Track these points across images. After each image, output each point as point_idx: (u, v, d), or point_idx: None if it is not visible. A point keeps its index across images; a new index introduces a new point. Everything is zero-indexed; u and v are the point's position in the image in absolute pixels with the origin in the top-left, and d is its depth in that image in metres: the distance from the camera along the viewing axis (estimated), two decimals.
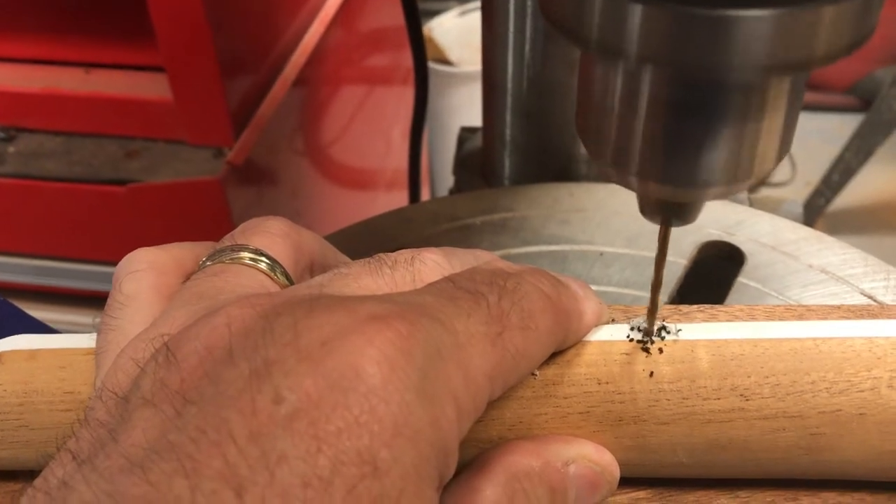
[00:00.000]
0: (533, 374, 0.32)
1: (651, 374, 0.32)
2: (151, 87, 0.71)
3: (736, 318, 0.37)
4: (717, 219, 0.52)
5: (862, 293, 0.46)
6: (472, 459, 0.30)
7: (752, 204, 0.62)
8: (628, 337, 0.33)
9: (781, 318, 0.36)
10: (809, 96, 2.33)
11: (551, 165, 0.60)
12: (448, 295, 0.27)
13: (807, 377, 0.31)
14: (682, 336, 0.33)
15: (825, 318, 0.36)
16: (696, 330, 0.33)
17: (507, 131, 0.60)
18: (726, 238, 0.50)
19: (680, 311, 0.37)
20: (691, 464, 0.33)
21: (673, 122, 0.25)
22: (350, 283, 0.29)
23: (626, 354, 0.33)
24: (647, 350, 0.33)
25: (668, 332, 0.33)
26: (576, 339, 0.33)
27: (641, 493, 0.35)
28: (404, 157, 0.80)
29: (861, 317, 0.36)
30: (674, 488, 0.35)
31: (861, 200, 2.02)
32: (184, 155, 0.71)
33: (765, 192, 0.59)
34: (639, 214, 0.51)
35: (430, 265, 0.31)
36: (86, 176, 0.70)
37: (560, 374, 0.32)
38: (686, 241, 0.50)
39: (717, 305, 0.37)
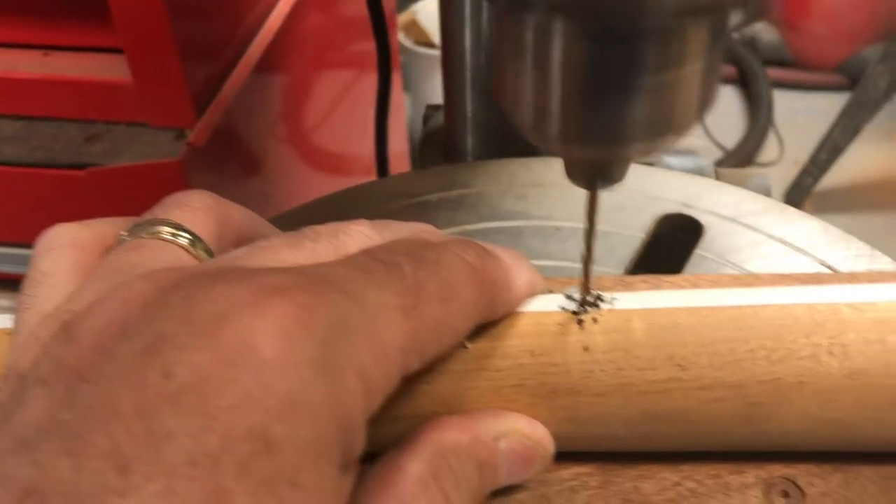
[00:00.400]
0: (465, 346, 0.31)
1: (585, 345, 0.31)
2: (111, 70, 0.70)
3: (680, 287, 0.36)
4: (677, 191, 0.51)
5: (822, 263, 0.45)
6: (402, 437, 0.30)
7: (718, 178, 0.61)
8: (562, 307, 0.32)
9: (726, 287, 0.36)
10: (797, 75, 2.32)
11: (513, 142, 0.59)
12: (361, 266, 0.26)
13: (745, 345, 0.31)
14: (618, 305, 0.32)
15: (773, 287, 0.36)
16: (633, 299, 0.32)
17: (468, 108, 0.59)
18: (685, 211, 0.49)
19: (624, 281, 0.36)
20: (628, 436, 0.32)
21: (588, 77, 0.24)
22: (267, 256, 0.28)
23: (560, 325, 0.32)
24: (581, 321, 0.32)
25: (604, 302, 0.32)
26: (506, 310, 0.32)
27: (584, 468, 0.34)
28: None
29: (807, 284, 0.36)
30: (617, 462, 0.34)
31: (849, 179, 2.01)
32: (145, 137, 0.70)
33: (739, 169, 0.57)
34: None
35: (355, 237, 0.30)
36: (45, 160, 0.68)
37: (492, 346, 0.32)
38: (644, 215, 0.50)
39: (662, 276, 0.36)
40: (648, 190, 0.51)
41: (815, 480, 0.33)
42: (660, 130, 0.25)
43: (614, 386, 0.31)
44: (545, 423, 0.32)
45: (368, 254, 0.27)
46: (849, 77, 2.23)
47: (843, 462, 0.33)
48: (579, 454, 0.34)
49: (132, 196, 0.68)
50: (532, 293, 0.33)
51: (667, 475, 0.34)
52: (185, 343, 0.21)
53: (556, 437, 0.32)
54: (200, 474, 0.20)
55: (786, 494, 0.33)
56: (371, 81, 0.72)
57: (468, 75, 0.58)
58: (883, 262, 0.44)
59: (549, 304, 0.33)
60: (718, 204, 0.50)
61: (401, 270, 0.26)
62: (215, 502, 0.19)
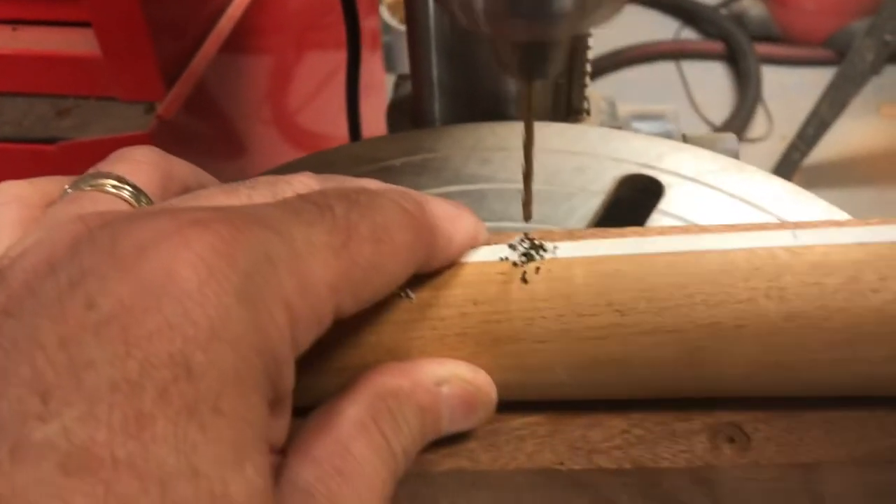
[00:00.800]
0: (409, 296, 0.32)
1: (527, 293, 0.31)
2: (81, 44, 0.69)
3: (624, 236, 0.36)
4: (639, 153, 0.51)
5: (780, 220, 0.45)
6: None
7: (686, 142, 0.61)
8: (502, 257, 0.32)
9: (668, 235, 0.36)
10: (785, 50, 2.32)
11: (480, 107, 0.59)
12: (291, 206, 0.26)
13: (684, 290, 0.31)
14: (560, 254, 0.32)
15: None
16: (574, 248, 0.33)
17: (434, 73, 0.59)
18: (647, 171, 0.49)
19: (573, 234, 0.36)
20: (573, 383, 0.32)
21: None
22: (201, 202, 0.28)
23: (503, 274, 0.32)
24: (523, 270, 0.32)
25: (546, 251, 0.32)
26: (446, 258, 0.32)
27: (533, 418, 0.34)
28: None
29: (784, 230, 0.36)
30: (566, 412, 0.34)
31: (836, 153, 2.01)
32: (116, 111, 0.70)
33: (707, 133, 0.57)
34: (559, 152, 0.50)
35: (295, 185, 0.31)
36: (16, 135, 0.68)
37: (436, 295, 0.32)
38: (606, 176, 0.50)
39: (609, 229, 0.37)
40: (611, 151, 0.51)
41: (760, 426, 0.33)
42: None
43: (556, 332, 0.31)
44: (490, 371, 0.32)
45: (301, 196, 0.27)
46: (836, 51, 2.23)
47: (788, 408, 0.33)
48: (530, 404, 0.34)
49: None
50: (474, 244, 0.33)
51: (615, 423, 0.34)
52: (107, 274, 0.22)
53: (502, 386, 0.32)
54: (121, 400, 0.20)
55: (731, 440, 0.33)
56: (338, 55, 0.72)
57: (433, 41, 0.58)
58: (841, 218, 0.44)
59: (493, 254, 0.33)
60: (680, 164, 0.50)
61: (332, 211, 0.26)
62: (136, 426, 0.20)
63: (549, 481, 0.33)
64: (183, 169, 0.34)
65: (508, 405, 0.34)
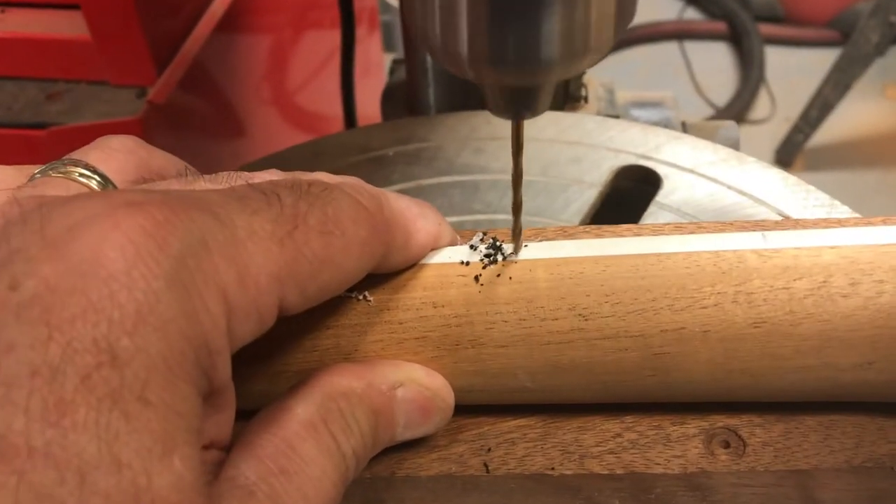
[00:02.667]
0: (367, 299, 0.31)
1: (487, 296, 0.31)
2: (71, 27, 0.68)
3: (620, 236, 0.35)
4: (635, 143, 0.50)
5: (780, 213, 0.44)
6: None
7: (686, 130, 0.60)
8: (463, 260, 0.32)
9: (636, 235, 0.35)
10: (790, 31, 2.30)
11: (475, 94, 0.58)
12: (236, 194, 0.25)
13: (648, 294, 0.30)
14: (523, 256, 0.31)
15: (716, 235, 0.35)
16: (538, 249, 0.32)
17: (429, 59, 0.58)
18: (644, 162, 0.48)
19: (565, 231, 0.35)
20: (536, 387, 0.32)
21: None
22: (182, 185, 0.28)
23: (463, 276, 0.31)
24: (484, 271, 0.31)
25: (509, 253, 0.32)
26: (404, 257, 0.31)
27: (525, 420, 0.34)
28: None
29: (753, 231, 0.35)
30: (559, 414, 0.33)
31: (840, 136, 1.99)
32: (106, 96, 0.68)
33: (706, 121, 0.56)
34: (555, 142, 0.49)
35: (256, 179, 0.30)
36: (5, 120, 0.67)
37: (394, 298, 0.31)
38: (602, 166, 0.49)
39: (603, 226, 0.36)
40: (607, 142, 0.50)
41: (756, 430, 0.32)
42: (574, 51, 0.24)
43: (518, 337, 0.30)
44: (451, 375, 0.31)
45: (249, 185, 0.26)
46: (840, 32, 2.21)
47: (785, 412, 0.33)
48: (523, 407, 0.33)
49: None
50: (437, 244, 0.32)
51: (608, 426, 0.33)
52: (34, 255, 0.21)
53: (463, 390, 0.32)
54: (41, 385, 0.19)
55: (727, 444, 0.32)
56: (332, 38, 0.71)
57: None
58: (841, 213, 0.43)
59: (454, 256, 0.32)
60: (678, 155, 0.49)
61: (279, 200, 0.25)
62: (57, 414, 0.19)
63: (539, 486, 0.32)
64: (162, 160, 0.33)
65: (499, 409, 0.33)
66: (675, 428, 0.33)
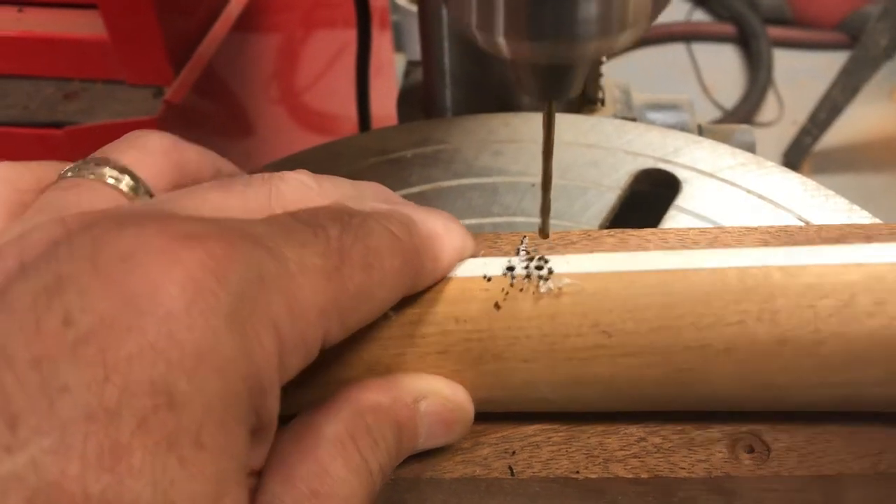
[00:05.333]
0: (389, 315, 0.31)
1: (510, 311, 0.30)
2: (88, 26, 0.68)
3: (647, 241, 0.35)
4: (655, 147, 0.50)
5: (799, 218, 0.44)
6: None
7: (702, 133, 0.60)
8: (486, 275, 0.31)
9: (690, 244, 0.35)
10: (798, 33, 2.29)
11: (492, 96, 0.58)
12: (283, 225, 0.25)
13: (673, 311, 0.30)
14: (557, 268, 0.31)
15: (740, 241, 0.35)
16: (562, 262, 0.31)
17: (446, 62, 0.58)
18: (663, 166, 0.48)
19: (589, 235, 0.36)
20: (557, 399, 0.32)
21: None
22: (195, 200, 0.27)
23: (486, 291, 0.31)
24: (508, 286, 0.31)
25: (533, 267, 0.31)
26: (432, 279, 0.31)
27: (549, 424, 0.34)
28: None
29: (777, 237, 0.35)
30: (583, 418, 0.34)
31: (848, 139, 1.99)
32: (123, 95, 0.69)
33: (722, 124, 0.56)
34: (573, 145, 0.49)
35: (292, 184, 0.29)
36: (22, 119, 0.67)
37: (418, 312, 0.31)
38: (621, 170, 0.49)
39: (628, 230, 0.36)
40: (626, 145, 0.50)
41: (780, 435, 0.32)
42: (611, 26, 0.24)
43: (540, 353, 0.30)
44: (471, 388, 0.31)
45: (292, 214, 0.26)
46: (849, 35, 2.21)
47: (809, 417, 0.33)
48: (546, 414, 0.34)
49: None
50: (461, 258, 0.32)
51: (632, 431, 0.33)
52: (87, 286, 0.20)
53: (485, 401, 0.32)
54: (97, 429, 0.19)
55: (751, 449, 0.32)
56: (349, 38, 0.71)
57: (445, 29, 0.57)
58: (861, 217, 0.43)
59: (477, 270, 0.32)
60: (697, 159, 0.49)
61: (326, 232, 0.25)
62: (113, 459, 0.19)
63: (564, 489, 0.32)
64: (196, 157, 0.33)
65: (519, 412, 0.34)
66: (699, 432, 0.33)
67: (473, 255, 0.33)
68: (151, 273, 0.20)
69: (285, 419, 0.28)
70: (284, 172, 0.30)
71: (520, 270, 0.31)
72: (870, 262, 0.30)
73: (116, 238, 0.21)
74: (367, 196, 0.32)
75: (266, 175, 0.29)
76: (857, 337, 0.29)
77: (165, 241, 0.21)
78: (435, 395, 0.30)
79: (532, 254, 0.32)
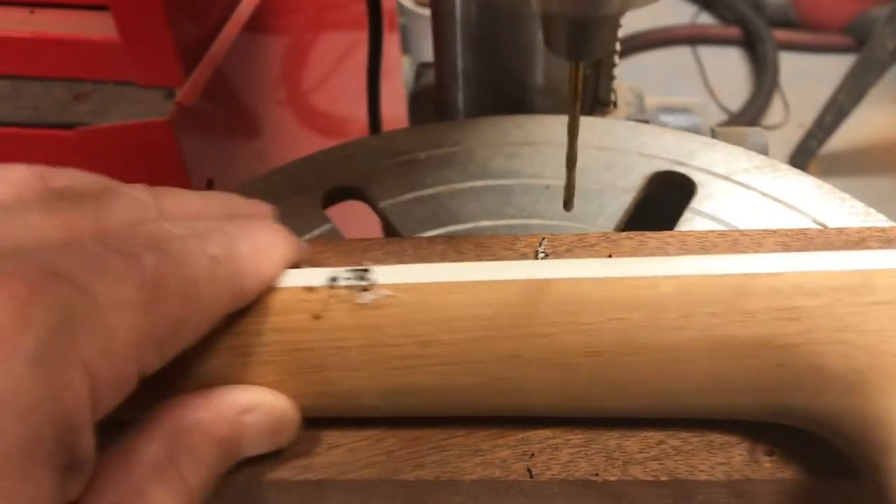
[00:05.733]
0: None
1: (330, 322, 0.31)
2: (98, 27, 0.68)
3: (667, 244, 0.35)
4: (669, 149, 0.50)
5: (815, 221, 0.44)
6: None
7: (715, 136, 0.60)
8: (308, 286, 0.31)
9: (710, 246, 0.35)
10: (804, 36, 2.29)
11: (505, 98, 0.58)
12: (96, 257, 0.24)
13: (486, 322, 0.30)
14: (377, 279, 0.31)
15: (759, 243, 0.35)
16: (385, 273, 0.32)
17: (459, 63, 0.58)
18: (677, 168, 0.48)
19: (608, 238, 0.36)
20: (387, 407, 0.32)
21: None
22: (15, 222, 0.25)
23: (307, 302, 0.31)
24: (329, 296, 0.31)
25: (355, 278, 0.31)
26: (256, 294, 0.31)
27: (566, 427, 0.34)
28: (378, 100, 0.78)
29: (797, 240, 0.35)
30: (601, 421, 0.34)
31: (854, 142, 1.99)
32: (134, 96, 0.69)
33: (735, 127, 0.56)
34: (587, 147, 0.49)
35: (124, 201, 0.28)
36: (33, 120, 0.67)
37: (241, 323, 0.31)
38: (636, 173, 0.49)
39: (647, 232, 0.36)
40: (640, 147, 0.50)
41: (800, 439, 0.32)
42: None
43: (362, 362, 0.31)
44: (298, 396, 0.31)
45: (105, 244, 0.25)
46: (856, 38, 2.20)
47: None
48: (564, 419, 0.33)
49: (121, 156, 0.67)
50: (287, 268, 0.32)
51: (651, 433, 0.33)
52: None
53: (313, 409, 0.32)
54: None
55: (770, 452, 0.32)
56: (361, 39, 0.71)
57: (458, 30, 0.57)
58: (878, 220, 0.43)
59: (300, 280, 0.32)
60: (711, 162, 0.49)
61: (140, 264, 0.25)
62: None
63: (583, 491, 0.32)
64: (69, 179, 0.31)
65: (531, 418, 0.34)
66: (718, 435, 0.33)
67: (306, 260, 0.33)
68: None
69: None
70: (119, 187, 0.29)
71: (342, 282, 0.31)
72: (680, 274, 0.30)
73: None
74: (214, 208, 0.32)
75: (98, 190, 0.28)
76: (667, 348, 0.29)
77: None
78: (259, 406, 0.30)
79: (359, 265, 0.32)
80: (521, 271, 0.31)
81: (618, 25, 0.53)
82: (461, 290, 0.31)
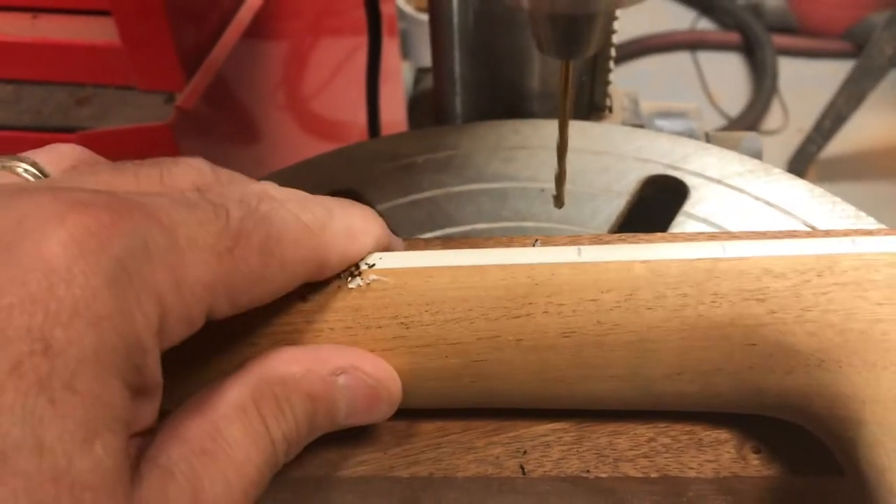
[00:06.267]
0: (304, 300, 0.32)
1: (316, 304, 0.32)
2: (100, 32, 0.69)
3: (676, 241, 0.36)
4: (663, 153, 0.50)
5: (806, 224, 0.45)
6: None
7: (709, 140, 0.61)
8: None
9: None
10: (803, 42, 2.30)
11: (502, 103, 0.59)
12: (186, 202, 0.26)
13: (465, 304, 0.31)
14: (382, 264, 0.32)
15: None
16: (374, 259, 0.33)
17: (456, 69, 0.59)
18: (671, 172, 0.49)
19: (601, 240, 0.36)
20: None
21: None
22: (86, 178, 0.28)
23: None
24: (344, 284, 0.32)
25: (367, 265, 0.33)
26: (336, 272, 0.32)
27: (559, 424, 0.34)
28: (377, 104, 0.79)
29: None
30: (593, 418, 0.34)
31: (853, 147, 1.99)
32: (135, 101, 0.69)
33: (730, 132, 0.57)
34: (582, 152, 0.50)
35: (183, 167, 0.30)
36: (34, 124, 0.68)
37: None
38: (630, 177, 0.49)
39: (639, 234, 0.36)
40: (634, 152, 0.51)
41: (787, 436, 0.33)
42: None
43: (346, 345, 0.31)
44: None
45: (201, 192, 0.27)
46: (854, 44, 2.21)
47: None
48: (556, 411, 0.34)
49: (123, 159, 0.68)
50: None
51: (642, 431, 0.34)
52: None
53: None
54: None
55: (757, 450, 0.33)
56: (360, 44, 0.71)
57: (456, 35, 0.57)
58: (867, 224, 0.44)
59: None
60: (705, 166, 0.49)
61: (227, 214, 0.26)
62: None
63: (574, 488, 0.32)
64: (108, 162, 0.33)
65: (533, 413, 0.34)
66: (707, 433, 0.33)
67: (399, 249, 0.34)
68: (38, 234, 0.22)
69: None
70: (179, 157, 0.31)
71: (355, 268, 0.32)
72: (653, 258, 0.31)
73: (10, 205, 0.23)
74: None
75: (159, 159, 0.30)
76: (638, 329, 0.30)
77: (56, 206, 0.23)
78: (355, 369, 0.30)
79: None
80: (499, 257, 0.32)
81: (610, 25, 0.54)
82: (441, 273, 0.32)
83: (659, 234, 0.36)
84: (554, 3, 0.26)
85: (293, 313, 0.32)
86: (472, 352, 0.31)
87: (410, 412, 0.34)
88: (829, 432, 0.30)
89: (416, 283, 0.32)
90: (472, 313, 0.31)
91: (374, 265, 0.32)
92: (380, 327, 0.31)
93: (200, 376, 0.32)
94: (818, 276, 0.30)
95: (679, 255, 0.31)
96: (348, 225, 0.31)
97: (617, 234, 0.36)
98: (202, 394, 0.27)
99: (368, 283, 0.32)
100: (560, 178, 0.32)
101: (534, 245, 0.34)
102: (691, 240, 0.36)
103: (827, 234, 0.36)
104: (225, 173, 0.32)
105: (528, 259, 0.32)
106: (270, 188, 0.31)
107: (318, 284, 0.32)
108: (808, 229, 0.44)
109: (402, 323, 0.31)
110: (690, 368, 0.31)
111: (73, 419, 0.21)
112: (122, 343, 0.22)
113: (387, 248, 0.33)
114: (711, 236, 0.37)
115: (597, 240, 0.37)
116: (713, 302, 0.30)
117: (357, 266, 0.32)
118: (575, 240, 0.36)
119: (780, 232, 0.37)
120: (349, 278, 0.32)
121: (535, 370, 0.31)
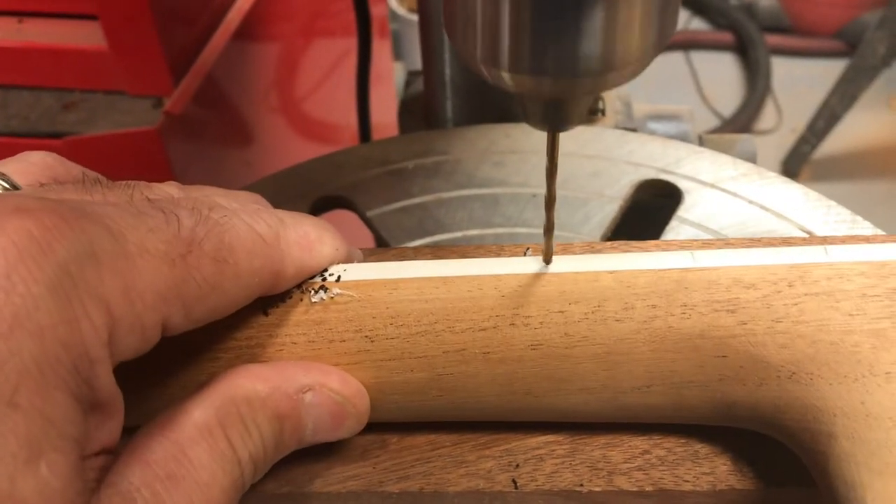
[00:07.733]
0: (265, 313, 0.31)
1: (279, 318, 0.31)
2: (87, 37, 0.68)
3: (645, 251, 0.35)
4: (656, 157, 0.50)
5: (801, 229, 0.44)
6: None
7: (703, 143, 0.60)
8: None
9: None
10: (796, 41, 2.30)
11: (493, 107, 0.58)
12: (136, 209, 0.25)
13: (430, 317, 0.31)
14: (346, 276, 0.32)
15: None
16: (338, 271, 0.32)
17: (447, 72, 0.58)
18: (664, 176, 0.48)
19: (592, 247, 0.36)
20: None
21: (538, 3, 0.23)
22: (51, 193, 0.27)
23: (259, 299, 0.31)
24: (284, 297, 0.32)
25: (331, 278, 0.32)
26: (291, 284, 0.31)
27: (551, 437, 0.33)
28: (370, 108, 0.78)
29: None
30: (586, 431, 0.33)
31: (846, 146, 1.99)
32: (123, 106, 0.69)
33: (723, 135, 0.56)
34: (574, 156, 0.49)
35: (155, 191, 0.30)
36: (22, 129, 0.67)
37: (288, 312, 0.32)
38: (623, 181, 0.49)
39: (631, 242, 0.36)
40: (627, 156, 0.50)
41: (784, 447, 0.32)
42: (612, 63, 0.24)
43: (308, 359, 0.31)
44: None
45: (150, 200, 0.26)
46: (847, 43, 2.21)
47: None
48: (548, 423, 0.33)
49: (110, 165, 0.67)
50: (332, 265, 0.32)
51: (636, 443, 0.33)
52: None
53: None
54: None
55: (753, 463, 0.32)
56: (350, 47, 0.71)
57: (445, 39, 0.57)
58: (863, 228, 0.43)
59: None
60: (698, 169, 0.49)
61: (178, 221, 0.26)
62: None
63: (568, 502, 0.32)
64: (77, 174, 0.32)
65: (527, 425, 0.33)
66: (702, 445, 0.33)
67: (354, 262, 0.33)
68: None
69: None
70: (151, 183, 0.30)
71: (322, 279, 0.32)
72: (621, 269, 0.31)
73: None
74: (239, 202, 0.33)
75: (132, 183, 0.29)
76: (606, 341, 0.30)
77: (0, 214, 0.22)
78: (322, 386, 0.30)
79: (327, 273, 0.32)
80: (465, 268, 0.31)
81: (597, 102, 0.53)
82: (406, 285, 0.31)
83: (636, 243, 0.36)
84: (540, 87, 0.25)
85: (255, 327, 0.31)
86: (438, 365, 0.31)
87: (401, 425, 0.33)
88: (801, 445, 0.29)
89: (381, 296, 0.31)
90: (437, 326, 0.30)
91: (338, 277, 0.32)
92: (343, 341, 0.31)
93: (163, 392, 0.31)
94: (789, 286, 0.29)
95: (648, 265, 0.31)
96: (302, 234, 0.31)
97: (610, 243, 0.36)
98: (165, 414, 0.27)
99: (332, 297, 0.31)
100: (548, 230, 0.31)
101: (524, 254, 0.34)
102: (663, 249, 0.35)
103: (805, 240, 0.36)
104: (196, 192, 0.31)
105: (495, 270, 0.31)
106: (220, 198, 0.30)
107: (280, 298, 0.31)
108: (805, 235, 0.43)
109: (366, 336, 0.31)
110: (660, 381, 0.30)
111: (15, 437, 0.20)
112: (67, 354, 0.21)
113: (345, 260, 0.33)
114: (682, 245, 0.36)
115: (588, 247, 0.36)
116: (683, 313, 0.30)
117: (322, 276, 0.32)
118: (566, 248, 0.35)
119: (752, 240, 0.36)
120: (312, 291, 0.31)
121: (502, 383, 0.31)
